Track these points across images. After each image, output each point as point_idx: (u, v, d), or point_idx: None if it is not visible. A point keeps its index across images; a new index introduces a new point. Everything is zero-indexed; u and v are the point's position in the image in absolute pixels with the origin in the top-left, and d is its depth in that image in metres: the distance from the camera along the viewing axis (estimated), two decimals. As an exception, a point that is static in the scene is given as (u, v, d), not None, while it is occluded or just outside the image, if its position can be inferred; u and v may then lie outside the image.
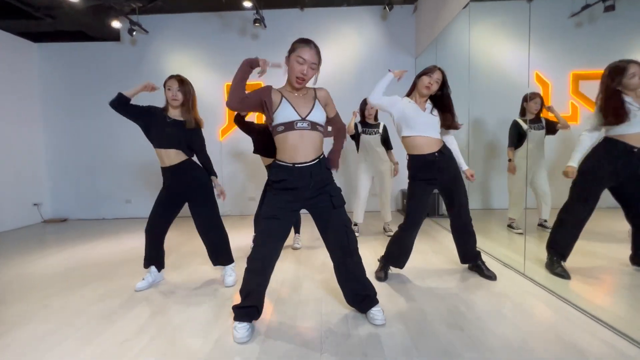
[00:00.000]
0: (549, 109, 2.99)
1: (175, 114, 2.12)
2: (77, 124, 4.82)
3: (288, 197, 1.56)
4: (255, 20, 4.15)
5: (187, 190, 2.12)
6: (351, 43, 4.70)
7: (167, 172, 2.11)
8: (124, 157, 4.84)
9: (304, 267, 2.52)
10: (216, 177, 2.21)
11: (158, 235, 2.18)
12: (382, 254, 2.28)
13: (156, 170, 2.25)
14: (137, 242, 3.40)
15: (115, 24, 3.97)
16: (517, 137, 3.03)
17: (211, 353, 1.44)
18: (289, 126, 1.52)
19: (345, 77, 4.71)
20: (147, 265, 2.22)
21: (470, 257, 2.26)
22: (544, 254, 2.22)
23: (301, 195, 1.56)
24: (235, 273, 2.24)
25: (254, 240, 1.63)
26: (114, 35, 4.61)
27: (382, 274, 2.22)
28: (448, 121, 2.09)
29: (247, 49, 4.68)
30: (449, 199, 2.16)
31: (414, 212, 2.10)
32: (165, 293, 2.10)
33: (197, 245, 3.24)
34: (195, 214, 2.16)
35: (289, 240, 3.07)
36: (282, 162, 1.56)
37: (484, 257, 2.57)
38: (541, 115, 3.01)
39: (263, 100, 1.54)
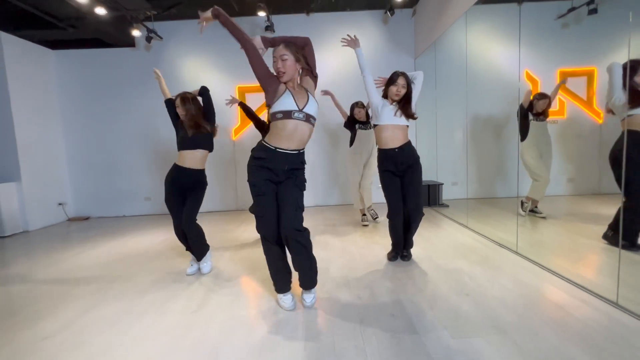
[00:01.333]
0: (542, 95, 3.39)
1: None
2: (96, 127, 5.07)
3: (265, 174, 1.78)
4: (266, 28, 4.42)
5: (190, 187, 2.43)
6: (354, 45, 4.99)
7: (183, 172, 2.40)
8: (141, 157, 5.11)
9: (326, 251, 2.86)
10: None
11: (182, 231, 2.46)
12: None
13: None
14: (165, 236, 3.72)
15: (136, 33, 4.21)
16: (527, 127, 3.39)
17: (263, 319, 1.79)
18: (287, 115, 1.73)
19: (349, 79, 5.01)
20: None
21: (407, 245, 2.56)
22: (534, 236, 2.59)
23: (274, 176, 1.78)
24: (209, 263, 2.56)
25: (255, 216, 1.85)
26: (130, 42, 4.84)
27: (391, 256, 2.60)
28: (408, 112, 2.36)
29: (256, 52, 4.94)
30: (403, 188, 2.46)
31: (391, 200, 2.46)
32: (211, 276, 2.44)
33: (227, 235, 3.57)
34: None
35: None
36: (267, 144, 1.78)
37: (482, 240, 2.95)
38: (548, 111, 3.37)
39: (268, 84, 1.75)
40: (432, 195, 4.64)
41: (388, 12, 4.51)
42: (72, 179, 5.13)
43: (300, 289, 1.93)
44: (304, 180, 1.88)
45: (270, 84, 1.77)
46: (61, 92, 5.01)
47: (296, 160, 1.82)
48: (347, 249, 2.92)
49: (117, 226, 4.48)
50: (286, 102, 1.75)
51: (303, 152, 1.87)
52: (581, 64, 3.72)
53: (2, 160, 4.23)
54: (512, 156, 4.13)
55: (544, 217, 3.43)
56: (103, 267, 2.79)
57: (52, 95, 4.90)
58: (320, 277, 2.24)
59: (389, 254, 2.63)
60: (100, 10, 3.49)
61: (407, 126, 2.42)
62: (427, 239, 3.12)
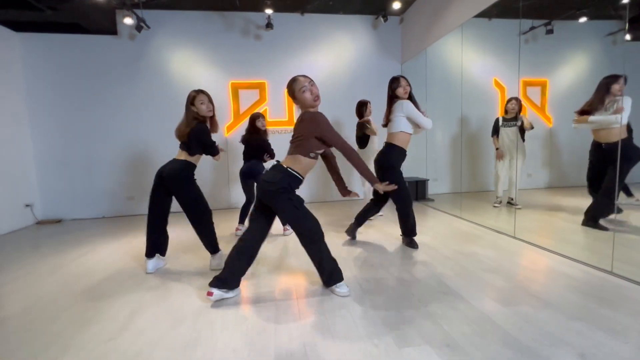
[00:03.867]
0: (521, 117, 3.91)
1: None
2: (69, 121, 4.61)
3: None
4: (267, 25, 4.42)
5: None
6: (345, 48, 5.20)
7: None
8: (122, 154, 4.76)
9: (349, 243, 3.03)
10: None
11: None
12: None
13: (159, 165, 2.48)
14: (174, 233, 3.55)
15: (127, 20, 3.93)
16: (496, 129, 3.87)
17: (323, 301, 1.91)
18: (317, 155, 2.00)
19: (339, 79, 5.21)
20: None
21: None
22: (523, 223, 3.02)
23: None
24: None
25: (313, 225, 1.96)
26: (111, 29, 4.49)
27: (408, 242, 2.88)
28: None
29: (250, 49, 4.91)
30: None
31: (408, 192, 2.83)
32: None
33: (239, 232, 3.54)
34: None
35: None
36: (299, 175, 1.96)
37: (480, 228, 3.33)
38: (521, 114, 3.83)
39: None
40: (419, 191, 5.03)
41: (382, 18, 4.79)
42: (41, 178, 4.61)
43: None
44: None
45: None
46: (28, 81, 4.46)
47: None
48: (367, 239, 3.12)
49: (102, 228, 4.14)
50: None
51: None
52: (538, 76, 4.35)
53: (-37, 155, 3.69)
54: (488, 155, 4.65)
55: (519, 208, 3.97)
56: (121, 268, 2.63)
57: (16, 84, 4.35)
58: (360, 264, 2.40)
59: (406, 244, 2.88)
60: (96, -6, 3.23)
61: None
62: (431, 229, 3.44)
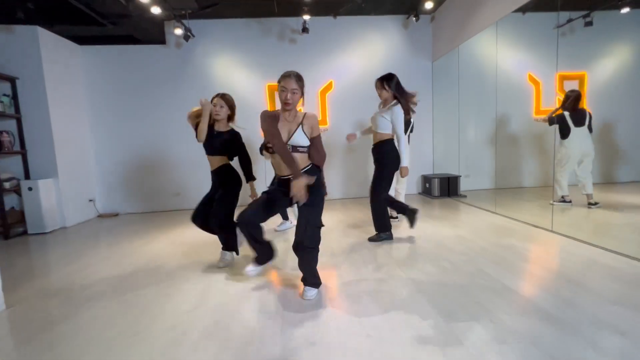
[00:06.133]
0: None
1: (219, 126, 2.56)
2: (123, 123, 5.08)
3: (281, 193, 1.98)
4: (303, 29, 4.66)
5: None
6: (377, 48, 5.34)
7: (213, 174, 2.63)
8: (171, 153, 5.18)
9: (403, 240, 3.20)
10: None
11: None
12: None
13: (205, 165, 2.79)
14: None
15: (178, 31, 4.31)
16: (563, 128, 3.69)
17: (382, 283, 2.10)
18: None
19: (370, 80, 5.32)
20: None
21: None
22: (566, 218, 3.04)
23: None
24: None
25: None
26: (160, 39, 4.90)
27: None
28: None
29: (286, 52, 5.17)
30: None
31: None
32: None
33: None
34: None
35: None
36: (275, 173, 2.01)
37: (516, 223, 3.38)
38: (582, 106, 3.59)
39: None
40: (452, 187, 5.09)
41: (413, 18, 4.89)
42: (100, 175, 5.12)
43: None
44: (316, 194, 1.93)
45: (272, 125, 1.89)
46: (89, 88, 4.97)
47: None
48: (400, 237, 3.27)
49: (154, 221, 4.55)
50: None
51: (307, 169, 1.94)
52: (575, 69, 4.26)
53: (41, 155, 4.20)
54: (523, 152, 4.61)
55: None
56: (182, 256, 2.95)
57: (80, 91, 4.86)
58: (403, 260, 2.56)
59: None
60: (156, 10, 3.59)
61: None
62: (468, 223, 3.54)
